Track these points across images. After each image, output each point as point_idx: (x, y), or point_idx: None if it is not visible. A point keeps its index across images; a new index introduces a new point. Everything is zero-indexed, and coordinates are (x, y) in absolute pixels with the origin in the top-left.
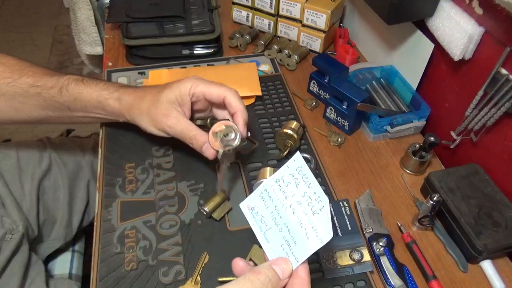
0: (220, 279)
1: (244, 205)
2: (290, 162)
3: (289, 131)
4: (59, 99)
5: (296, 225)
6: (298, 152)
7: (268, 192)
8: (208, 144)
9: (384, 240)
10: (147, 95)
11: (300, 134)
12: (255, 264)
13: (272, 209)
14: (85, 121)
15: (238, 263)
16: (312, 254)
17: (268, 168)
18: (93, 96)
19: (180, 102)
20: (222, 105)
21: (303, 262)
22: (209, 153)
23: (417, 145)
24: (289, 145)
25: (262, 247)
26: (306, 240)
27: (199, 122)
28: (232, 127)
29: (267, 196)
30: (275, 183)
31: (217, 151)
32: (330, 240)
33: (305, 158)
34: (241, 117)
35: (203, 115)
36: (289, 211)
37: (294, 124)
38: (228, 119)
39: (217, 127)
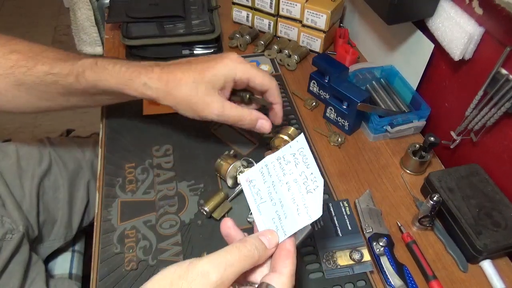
0: None
1: (243, 177)
2: (293, 142)
3: (285, 137)
4: (78, 86)
5: (289, 201)
6: (301, 134)
7: (268, 167)
8: (263, 120)
9: (384, 240)
10: (183, 78)
11: None
12: None
13: (269, 184)
14: (108, 102)
15: (226, 223)
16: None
17: None
18: (112, 84)
19: (222, 87)
20: (258, 91)
21: (290, 236)
22: (267, 127)
23: (417, 145)
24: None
25: (254, 218)
26: (296, 216)
27: (236, 98)
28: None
29: (267, 171)
30: (276, 160)
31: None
32: (330, 239)
33: None
34: (280, 110)
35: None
36: (285, 187)
37: (291, 130)
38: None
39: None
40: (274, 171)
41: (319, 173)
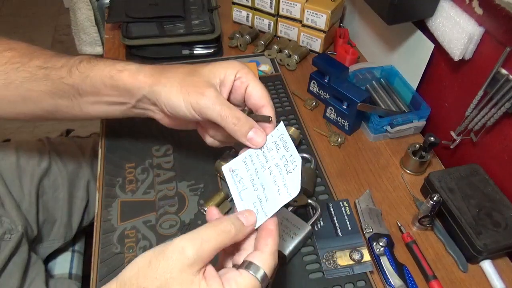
0: None
1: (226, 168)
2: (274, 131)
3: None
4: (68, 80)
5: (270, 184)
6: (281, 122)
7: (252, 157)
8: (258, 129)
9: (384, 240)
10: (180, 67)
11: (297, 140)
12: None
13: (252, 171)
14: (95, 112)
15: (212, 211)
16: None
17: None
18: (105, 72)
19: (222, 81)
20: (252, 105)
21: (272, 216)
22: (261, 140)
23: (417, 145)
24: None
25: (235, 204)
26: (277, 196)
27: None
28: None
29: (250, 161)
30: (259, 150)
31: None
32: (330, 239)
33: (305, 158)
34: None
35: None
36: (267, 172)
37: (291, 130)
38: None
39: None
40: (257, 159)
41: (297, 153)
